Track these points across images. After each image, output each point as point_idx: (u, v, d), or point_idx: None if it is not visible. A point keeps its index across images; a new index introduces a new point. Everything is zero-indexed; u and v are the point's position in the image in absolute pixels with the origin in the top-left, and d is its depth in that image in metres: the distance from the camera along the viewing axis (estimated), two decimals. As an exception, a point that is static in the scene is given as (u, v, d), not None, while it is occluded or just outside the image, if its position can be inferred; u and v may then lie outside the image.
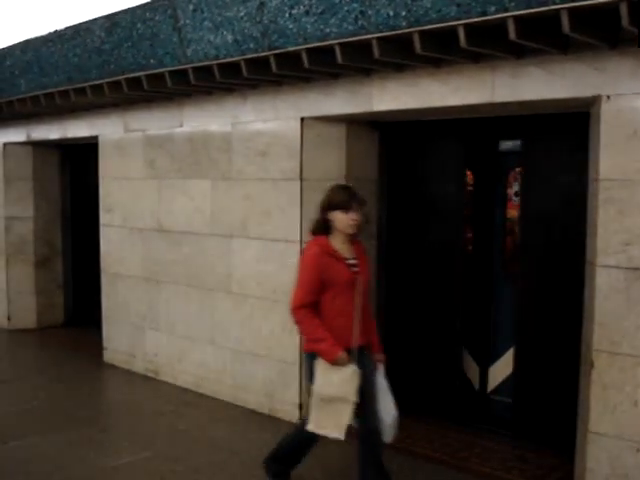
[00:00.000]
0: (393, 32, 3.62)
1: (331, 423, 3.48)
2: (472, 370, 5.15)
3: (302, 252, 3.71)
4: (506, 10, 3.17)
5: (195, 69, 4.88)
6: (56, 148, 8.60)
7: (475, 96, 4.06)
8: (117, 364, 6.85)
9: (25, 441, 4.82)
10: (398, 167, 5.34)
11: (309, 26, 3.98)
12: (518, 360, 4.81)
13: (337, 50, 3.95)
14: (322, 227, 3.65)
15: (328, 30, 3.89)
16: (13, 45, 6.61)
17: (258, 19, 4.25)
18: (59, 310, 8.83)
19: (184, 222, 6.00)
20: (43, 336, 8.26)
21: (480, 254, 5.05)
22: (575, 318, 4.11)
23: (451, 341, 5.09)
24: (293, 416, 5.16)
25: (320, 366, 3.52)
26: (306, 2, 3.96)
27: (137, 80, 5.34)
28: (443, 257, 5.10)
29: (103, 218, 6.98)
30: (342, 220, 3.58)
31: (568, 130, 4.44)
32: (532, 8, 3.10)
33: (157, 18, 4.94)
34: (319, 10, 3.90)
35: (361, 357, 3.57)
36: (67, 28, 5.82)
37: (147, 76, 5.21)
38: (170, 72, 5.02)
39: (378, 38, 3.73)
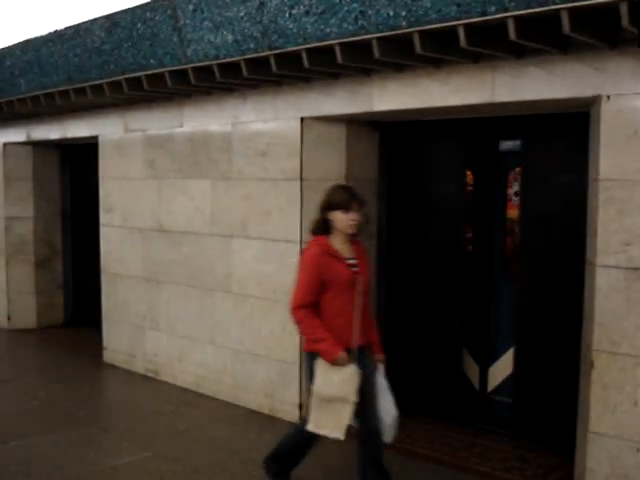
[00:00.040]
0: (393, 32, 3.62)
1: (331, 423, 3.48)
2: (472, 370, 5.15)
3: (302, 252, 3.71)
4: (506, 10, 3.17)
5: (195, 69, 4.88)
6: (56, 148, 8.60)
7: (475, 96, 4.06)
8: (117, 364, 6.85)
9: (25, 441, 4.82)
10: (398, 167, 5.34)
11: (309, 26, 3.98)
12: (518, 360, 4.81)
13: (337, 50, 3.95)
14: (322, 227, 3.65)
15: (328, 30, 3.89)
16: (13, 45, 6.61)
17: (258, 19, 4.25)
18: (59, 310, 8.84)
19: (184, 222, 6.00)
20: (43, 336, 8.26)
21: (480, 254, 5.05)
22: (575, 318, 4.11)
23: (451, 341, 5.09)
24: (293, 416, 5.16)
25: (320, 366, 3.52)
26: (306, 2, 3.96)
27: (137, 80, 5.34)
28: (443, 257, 5.10)
29: (103, 218, 6.98)
30: (342, 220, 3.58)
31: (568, 130, 4.44)
32: (532, 8, 3.10)
33: (157, 18, 4.94)
34: (319, 10, 3.90)
35: (361, 357, 3.58)
36: (67, 28, 5.82)
37: (147, 76, 5.21)
38: (170, 72, 5.02)
39: (378, 38, 3.73)
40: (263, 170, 5.28)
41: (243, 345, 5.55)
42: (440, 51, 3.77)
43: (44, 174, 8.57)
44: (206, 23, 4.58)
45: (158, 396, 5.91)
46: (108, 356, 7.01)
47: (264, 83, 5.04)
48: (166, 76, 5.06)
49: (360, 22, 3.72)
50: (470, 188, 5.09)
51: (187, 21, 4.71)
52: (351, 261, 3.62)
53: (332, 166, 5.05)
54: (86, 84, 5.74)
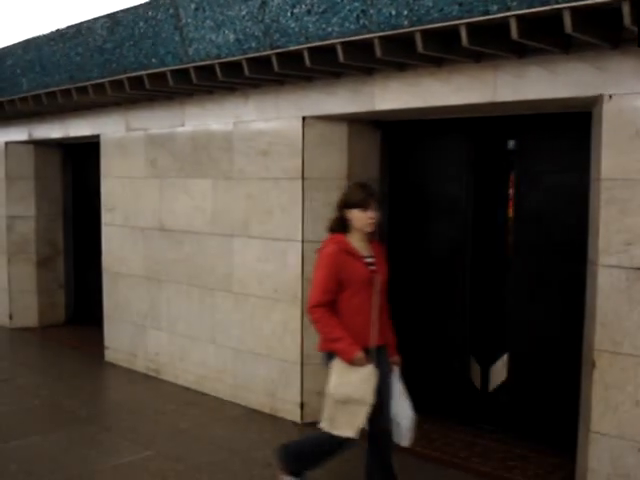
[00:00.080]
0: (395, 31, 3.62)
1: (345, 423, 3.42)
2: (473, 369, 5.14)
3: (318, 250, 3.64)
4: (508, 9, 3.17)
5: (197, 68, 4.88)
6: (58, 147, 8.60)
7: (477, 95, 4.06)
8: (118, 363, 6.86)
9: (26, 440, 4.83)
10: (400, 166, 5.34)
11: (311, 25, 3.98)
12: (519, 360, 4.81)
13: (339, 49, 3.95)
14: (339, 225, 3.61)
15: (330, 29, 3.88)
16: (15, 44, 6.62)
17: (260, 18, 4.25)
18: (60, 309, 8.85)
19: (185, 221, 6.00)
20: (44, 335, 8.27)
21: (485, 253, 5.03)
22: (576, 318, 4.11)
23: (453, 341, 5.09)
24: (295, 415, 5.16)
25: (337, 366, 3.47)
26: (308, 1, 3.96)
27: (139, 79, 5.34)
28: (444, 257, 5.10)
29: (105, 217, 6.98)
30: (360, 218, 3.55)
31: (569, 130, 4.43)
32: (534, 7, 3.09)
33: (159, 17, 4.94)
34: (321, 9, 3.90)
35: (378, 357, 3.53)
36: (69, 27, 5.83)
37: (149, 75, 5.21)
38: (172, 71, 5.03)
39: (380, 37, 3.73)
40: (265, 169, 5.28)
41: (244, 344, 5.55)
42: (442, 50, 3.76)
43: (46, 173, 8.58)
44: (208, 22, 4.58)
45: (159, 395, 5.92)
46: (109, 355, 7.01)
47: (266, 82, 5.04)
48: (168, 75, 5.07)
49: (362, 21, 3.72)
50: (474, 188, 5.05)
51: (189, 20, 4.71)
52: (369, 259, 3.58)
53: (334, 165, 5.05)
54: (88, 83, 5.75)
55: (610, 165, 3.50)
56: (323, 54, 4.14)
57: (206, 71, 4.88)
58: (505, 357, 4.96)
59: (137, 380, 6.38)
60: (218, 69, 4.72)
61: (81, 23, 5.69)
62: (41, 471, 4.30)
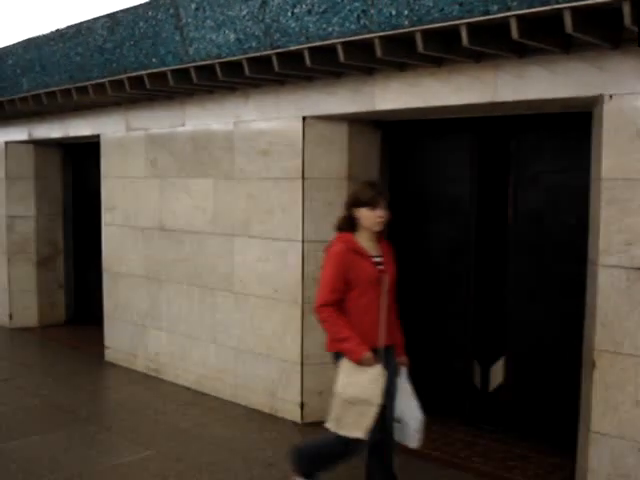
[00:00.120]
0: (395, 31, 3.62)
1: (353, 423, 3.38)
2: (474, 369, 5.14)
3: (326, 249, 3.62)
4: (509, 9, 3.17)
5: (197, 68, 4.88)
6: (58, 147, 8.60)
7: (477, 95, 4.06)
8: (119, 363, 6.86)
9: (26, 439, 4.83)
10: (400, 166, 5.34)
11: (311, 25, 3.98)
12: (519, 360, 4.81)
13: (339, 49, 3.95)
14: (348, 224, 3.59)
15: (330, 29, 3.88)
16: (15, 44, 6.62)
17: (260, 18, 4.25)
18: (61, 309, 8.85)
19: (186, 221, 6.00)
20: (44, 335, 8.27)
21: (486, 254, 5.02)
22: (576, 318, 4.10)
23: (453, 340, 5.09)
24: (295, 415, 5.16)
25: (345, 365, 3.45)
26: (308, 1, 3.96)
27: (139, 79, 5.34)
28: (445, 257, 5.10)
29: (105, 217, 6.98)
30: (369, 217, 3.52)
31: (570, 129, 4.43)
32: (535, 7, 3.09)
33: (159, 17, 4.94)
34: (321, 9, 3.90)
35: (386, 357, 3.51)
36: (69, 27, 5.83)
37: (149, 75, 5.21)
38: (172, 71, 5.03)
39: (380, 37, 3.73)
40: (265, 169, 5.28)
41: (245, 344, 5.55)
42: (442, 50, 3.76)
43: (46, 173, 8.58)
44: (208, 22, 4.58)
45: (159, 395, 5.92)
46: (109, 355, 7.01)
47: (266, 82, 5.04)
48: (168, 75, 5.07)
49: (362, 21, 3.72)
50: (476, 188, 5.04)
51: (189, 20, 4.71)
52: (377, 259, 3.55)
53: (334, 165, 5.05)
54: (88, 83, 5.75)
55: (610, 165, 3.50)
56: (323, 54, 4.14)
57: (206, 71, 4.88)
58: (505, 357, 4.96)
59: (137, 380, 6.38)
60: (218, 69, 4.73)
61: (81, 23, 5.69)
62: (41, 471, 4.30)
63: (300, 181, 5.03)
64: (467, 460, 4.48)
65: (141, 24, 5.09)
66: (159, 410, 5.50)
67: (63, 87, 6.04)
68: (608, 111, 3.51)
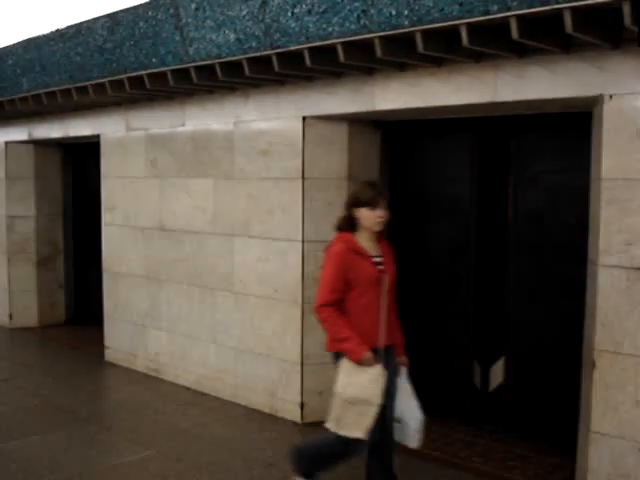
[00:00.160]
0: (395, 31, 3.62)
1: (353, 423, 3.38)
2: (474, 369, 5.14)
3: (326, 249, 3.62)
4: (509, 9, 3.17)
5: (197, 68, 4.88)
6: (58, 147, 8.60)
7: (477, 95, 4.06)
8: (119, 363, 6.86)
9: (26, 439, 4.83)
10: (400, 166, 5.34)
11: (311, 25, 3.98)
12: (519, 360, 4.81)
13: (339, 49, 3.95)
14: (348, 224, 3.59)
15: (330, 29, 3.88)
16: (15, 44, 6.62)
17: (260, 18, 4.25)
18: (61, 309, 8.85)
19: (186, 221, 6.00)
20: (44, 335, 8.27)
21: (486, 254, 5.02)
22: (576, 318, 4.10)
23: (453, 340, 5.08)
24: (295, 415, 5.16)
25: (345, 365, 3.44)
26: (308, 1, 3.96)
27: (139, 79, 5.34)
28: (445, 257, 5.10)
29: (105, 217, 6.98)
30: (369, 217, 3.52)
31: (570, 129, 4.43)
32: (535, 7, 3.09)
33: (159, 17, 4.94)
34: (321, 9, 3.90)
35: (386, 357, 3.51)
36: (69, 27, 5.83)
37: (149, 75, 5.21)
38: (172, 71, 5.03)
39: (380, 37, 3.73)
40: (265, 169, 5.28)
41: (245, 344, 5.55)
42: (442, 50, 3.76)
43: (46, 173, 8.58)
44: (208, 22, 4.58)
45: (159, 395, 5.92)
46: (109, 355, 7.01)
47: (266, 82, 5.04)
48: (168, 75, 5.07)
49: (362, 21, 3.72)
50: (476, 188, 5.04)
51: (189, 20, 4.71)
52: (377, 259, 3.55)
53: (334, 165, 5.05)
54: (88, 83, 5.75)
55: (610, 165, 3.50)
56: (323, 54, 4.14)
57: (206, 71, 4.88)
58: (505, 357, 4.96)
59: (137, 380, 6.38)
60: (218, 69, 4.73)
61: (81, 23, 5.69)
62: (41, 471, 4.30)
63: (300, 181, 5.03)
64: (467, 460, 4.48)
65: (141, 24, 5.09)
66: (159, 410, 5.51)
67: (63, 87, 6.04)
68: (608, 111, 3.50)
